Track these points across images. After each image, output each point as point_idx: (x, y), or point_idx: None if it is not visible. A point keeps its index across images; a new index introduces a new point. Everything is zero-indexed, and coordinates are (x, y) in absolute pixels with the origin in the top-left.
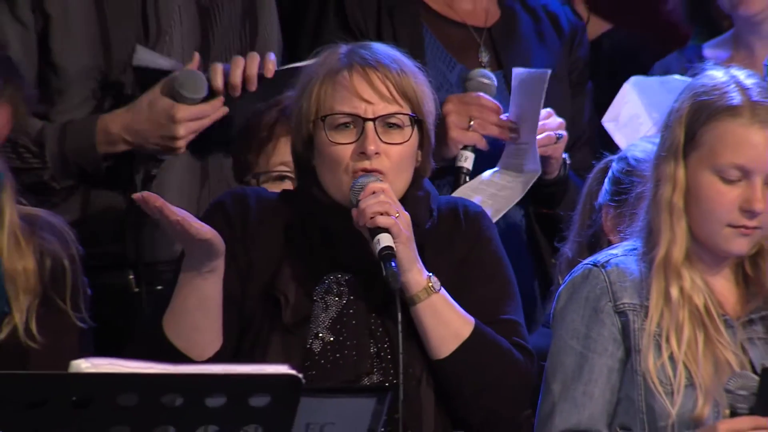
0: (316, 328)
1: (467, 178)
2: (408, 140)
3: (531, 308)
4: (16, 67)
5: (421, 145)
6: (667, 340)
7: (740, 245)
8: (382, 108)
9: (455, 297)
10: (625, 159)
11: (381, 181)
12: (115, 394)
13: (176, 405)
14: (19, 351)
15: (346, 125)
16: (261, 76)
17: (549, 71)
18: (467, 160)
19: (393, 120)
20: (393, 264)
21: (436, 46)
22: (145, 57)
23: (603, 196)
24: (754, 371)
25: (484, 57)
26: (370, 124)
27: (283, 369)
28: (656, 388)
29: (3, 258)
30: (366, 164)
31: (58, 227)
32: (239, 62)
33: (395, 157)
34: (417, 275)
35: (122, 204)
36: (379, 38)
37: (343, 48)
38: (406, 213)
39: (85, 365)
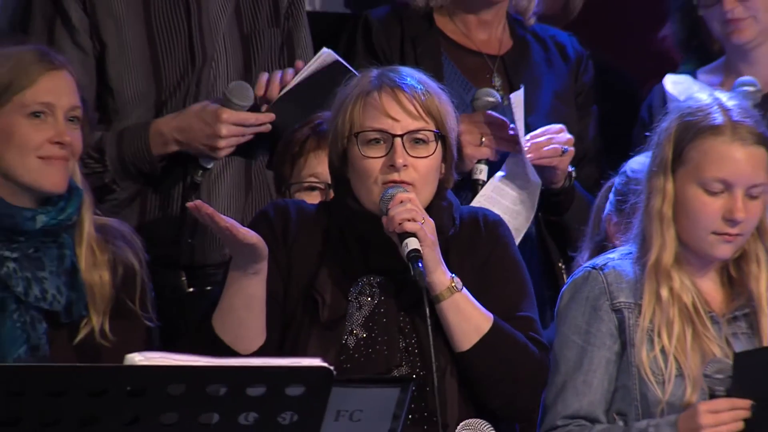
0: (350, 326)
1: (480, 188)
2: (433, 154)
3: (541, 309)
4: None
5: (445, 158)
6: (659, 335)
7: (724, 251)
8: (409, 125)
9: (477, 296)
10: (624, 173)
11: (408, 191)
12: (165, 385)
13: (220, 394)
14: (94, 350)
15: (376, 141)
16: (295, 93)
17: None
18: (482, 173)
19: (419, 136)
20: (420, 264)
21: (453, 71)
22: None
23: (608, 207)
24: None
25: (497, 81)
26: (398, 140)
27: (316, 362)
28: (649, 378)
29: (81, 269)
30: (395, 176)
31: (128, 236)
32: (276, 75)
33: (422, 170)
34: (441, 276)
35: (176, 211)
36: (403, 64)
37: (374, 71)
38: (431, 220)
39: (138, 358)
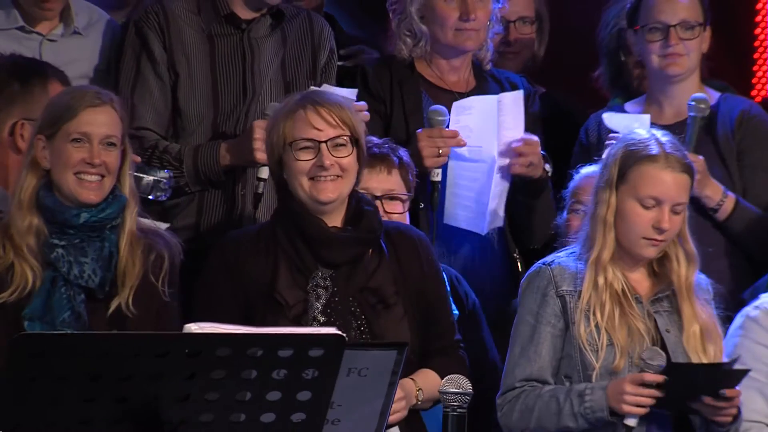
0: (312, 313)
1: (439, 186)
2: (351, 154)
3: (501, 291)
4: None
5: (359, 158)
6: (594, 314)
7: (650, 252)
8: (330, 132)
9: (422, 314)
10: (572, 184)
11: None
12: (215, 348)
13: (257, 355)
14: (121, 320)
15: (306, 147)
16: None
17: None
18: (438, 175)
19: (339, 141)
20: None
21: (430, 105)
22: (325, 87)
23: (563, 210)
24: (659, 333)
25: None
26: (323, 145)
27: (332, 330)
28: (585, 348)
29: (120, 257)
30: (324, 172)
31: (168, 238)
32: None
33: (345, 166)
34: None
35: (224, 210)
36: (392, 101)
37: (297, 95)
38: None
39: (194, 328)
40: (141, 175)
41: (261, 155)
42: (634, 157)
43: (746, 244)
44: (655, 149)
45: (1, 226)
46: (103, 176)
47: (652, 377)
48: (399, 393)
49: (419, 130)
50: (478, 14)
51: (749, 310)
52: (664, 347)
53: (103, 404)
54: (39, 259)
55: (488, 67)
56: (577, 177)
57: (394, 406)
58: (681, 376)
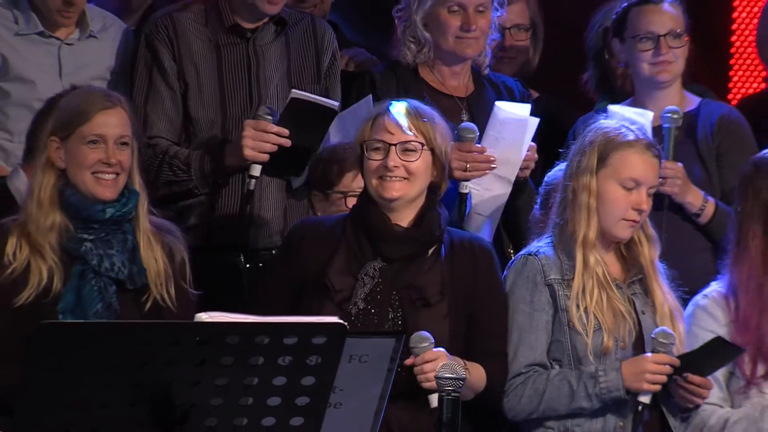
0: (355, 299)
1: (466, 197)
2: (419, 158)
3: None
4: None
5: (434, 165)
6: (583, 299)
7: (627, 233)
8: (402, 137)
9: (470, 321)
10: (545, 182)
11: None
12: (224, 336)
13: (264, 342)
14: (157, 312)
15: (377, 148)
16: (304, 110)
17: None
18: (466, 188)
19: (409, 146)
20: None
21: (433, 109)
22: (303, 93)
23: (535, 208)
24: (637, 314)
25: (464, 116)
26: (392, 147)
27: (334, 319)
28: (578, 331)
29: (141, 249)
30: (388, 172)
31: (176, 232)
32: None
33: (411, 169)
34: None
35: (235, 209)
36: None
37: (388, 101)
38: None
39: (205, 317)
40: None
41: (249, 152)
42: (613, 142)
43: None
44: (631, 135)
45: (17, 226)
46: (117, 174)
47: (669, 359)
48: (444, 359)
49: (452, 143)
50: (479, 24)
51: (698, 298)
52: (641, 328)
53: (119, 389)
54: (61, 255)
55: (486, 72)
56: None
57: (439, 351)
58: (689, 361)
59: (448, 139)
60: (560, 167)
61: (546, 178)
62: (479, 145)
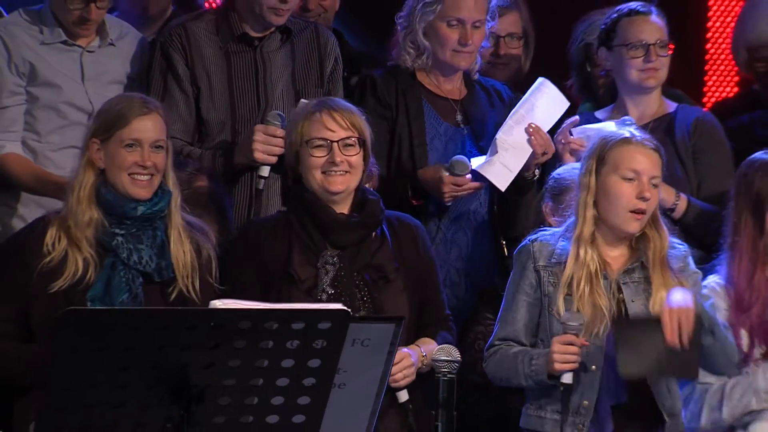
0: (322, 286)
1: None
2: (358, 153)
3: (489, 273)
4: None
5: (364, 158)
6: (570, 288)
7: (635, 227)
8: (342, 134)
9: (421, 287)
10: (553, 177)
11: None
12: (237, 321)
13: (274, 328)
14: (183, 303)
15: (320, 145)
16: None
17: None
18: (449, 203)
19: (349, 141)
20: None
21: (430, 110)
22: (309, 101)
23: (546, 199)
24: (624, 306)
25: (459, 117)
26: (335, 144)
27: (339, 306)
28: (556, 316)
29: (170, 245)
30: (334, 167)
31: (206, 230)
32: None
33: (352, 163)
34: None
35: (245, 205)
36: (397, 107)
37: (314, 101)
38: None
39: (219, 304)
40: None
41: (259, 155)
42: (610, 142)
43: (697, 233)
44: (627, 133)
45: (58, 220)
46: (152, 175)
47: (572, 338)
48: (409, 360)
49: (445, 175)
50: (474, 39)
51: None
52: (627, 316)
53: (139, 371)
54: (96, 248)
55: (476, 76)
56: (555, 174)
57: (405, 372)
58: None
59: (370, 129)
60: (573, 165)
61: (555, 174)
62: (465, 178)
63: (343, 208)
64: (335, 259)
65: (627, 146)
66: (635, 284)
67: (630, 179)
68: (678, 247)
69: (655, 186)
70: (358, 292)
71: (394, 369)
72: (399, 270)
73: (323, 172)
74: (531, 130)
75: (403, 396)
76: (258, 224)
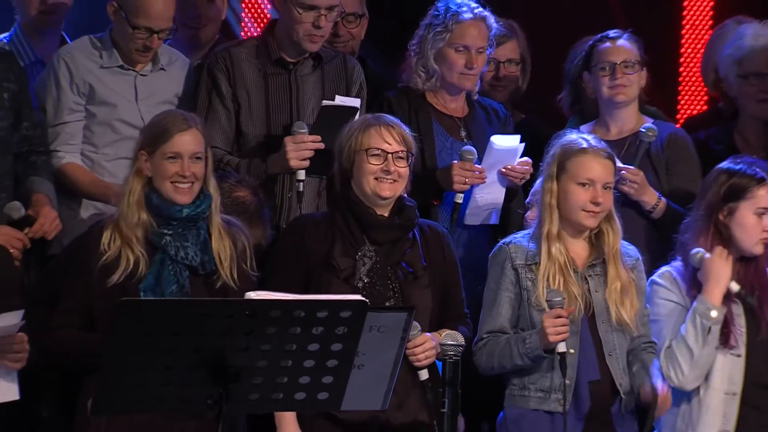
0: (359, 275)
1: (459, 207)
2: (408, 165)
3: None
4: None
5: (409, 167)
6: (548, 281)
7: (591, 222)
8: (396, 147)
9: (443, 288)
10: (531, 192)
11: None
12: (269, 310)
13: (301, 316)
14: (225, 292)
15: (377, 155)
16: (331, 115)
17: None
18: (460, 198)
19: (401, 154)
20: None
21: (437, 127)
22: (329, 102)
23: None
24: (590, 294)
25: (462, 133)
26: (390, 155)
27: (357, 297)
28: (543, 307)
29: (212, 241)
30: (386, 175)
31: (240, 227)
32: None
33: (402, 174)
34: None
35: (275, 208)
36: (409, 124)
37: (369, 115)
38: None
39: (253, 295)
40: None
41: (294, 162)
42: (569, 151)
43: (671, 232)
44: (584, 144)
45: (112, 222)
46: (192, 183)
47: (558, 311)
48: (430, 343)
49: (455, 161)
50: (478, 63)
51: (654, 278)
52: (591, 303)
53: (184, 354)
54: (146, 246)
55: (476, 97)
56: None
57: (427, 353)
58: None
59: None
60: None
61: (534, 187)
62: (478, 165)
63: (384, 211)
64: (372, 253)
65: (584, 157)
66: (598, 276)
67: (585, 186)
68: (632, 255)
69: (607, 189)
70: (390, 283)
71: (417, 350)
72: (426, 269)
73: (376, 179)
74: (505, 171)
75: (424, 375)
76: (305, 219)
